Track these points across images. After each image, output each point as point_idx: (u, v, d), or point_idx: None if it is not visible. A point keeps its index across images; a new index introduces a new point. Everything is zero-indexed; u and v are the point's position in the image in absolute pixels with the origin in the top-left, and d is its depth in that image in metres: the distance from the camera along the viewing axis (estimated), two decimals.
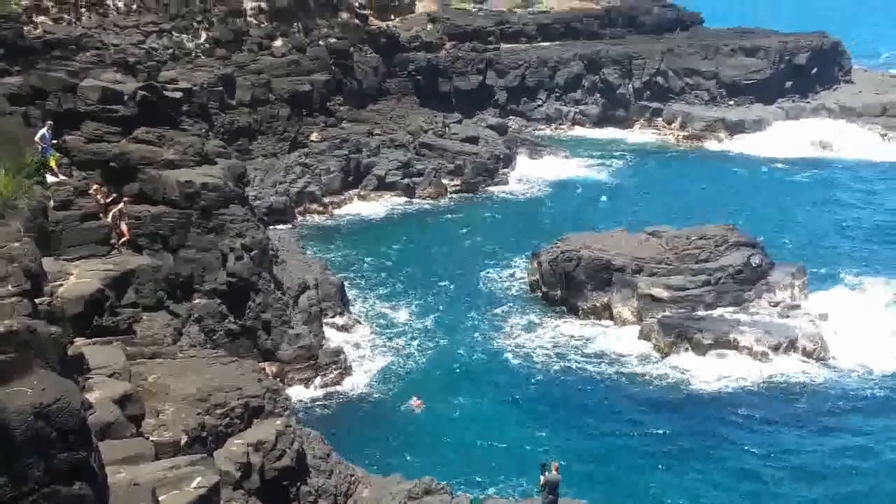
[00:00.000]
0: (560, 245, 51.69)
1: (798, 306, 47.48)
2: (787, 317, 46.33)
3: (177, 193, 39.23)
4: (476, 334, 46.84)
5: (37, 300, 19.73)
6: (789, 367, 42.71)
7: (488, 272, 55.67)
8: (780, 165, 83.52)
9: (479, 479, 33.29)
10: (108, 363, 24.16)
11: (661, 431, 37.62)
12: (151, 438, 22.32)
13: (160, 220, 38.80)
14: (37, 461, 9.21)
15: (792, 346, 43.79)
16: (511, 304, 50.88)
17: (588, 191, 74.79)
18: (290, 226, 61.88)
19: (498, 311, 49.90)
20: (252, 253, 40.12)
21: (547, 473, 25.29)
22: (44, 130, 35.89)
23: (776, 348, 43.54)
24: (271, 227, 53.72)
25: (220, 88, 69.12)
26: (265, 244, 41.92)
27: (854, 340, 44.94)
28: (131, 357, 26.90)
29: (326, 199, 68.31)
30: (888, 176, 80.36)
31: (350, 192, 70.66)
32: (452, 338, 46.34)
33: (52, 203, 32.65)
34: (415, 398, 39.31)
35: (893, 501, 32.73)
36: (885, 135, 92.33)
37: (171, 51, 71.95)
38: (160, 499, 16.54)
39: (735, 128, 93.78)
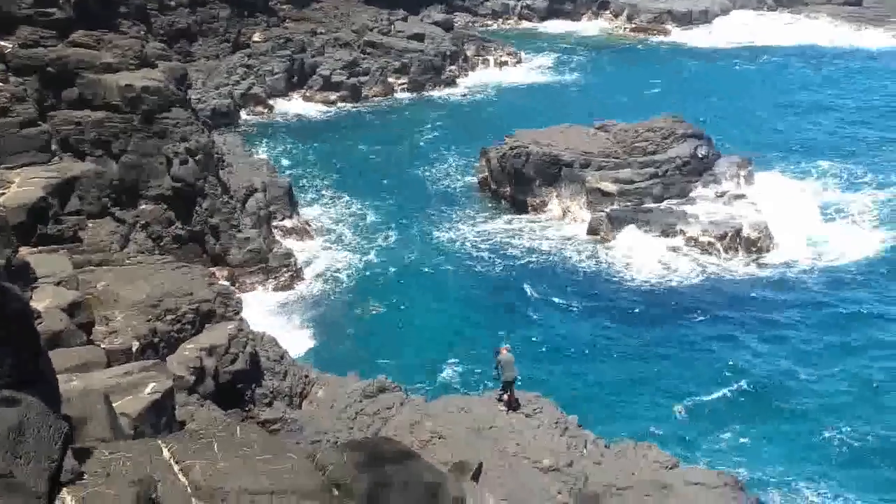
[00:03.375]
0: (509, 141, 51.56)
1: (743, 196, 48.01)
2: (733, 207, 46.88)
3: (117, 98, 38.44)
4: (426, 232, 46.94)
5: None
6: (734, 257, 43.42)
7: (437, 171, 55.52)
8: (726, 56, 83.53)
9: (434, 376, 33.74)
10: (54, 271, 24.02)
11: (608, 322, 38.25)
12: (103, 346, 22.31)
13: (102, 125, 38.09)
14: None
15: (737, 235, 44.39)
16: (460, 202, 50.94)
17: (536, 86, 74.36)
18: (234, 129, 60.91)
19: (447, 208, 49.94)
20: (197, 157, 39.59)
21: (499, 356, 25.83)
22: None
23: (722, 238, 44.14)
24: (217, 131, 52.94)
25: None
26: (210, 148, 41.36)
27: (796, 229, 45.66)
28: (78, 265, 26.72)
29: (271, 101, 67.33)
30: (833, 62, 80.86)
31: (295, 92, 69.65)
32: (402, 237, 46.42)
33: None
34: None
35: (827, 388, 33.69)
36: (831, 22, 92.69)
37: None
38: (116, 405, 16.54)
39: (682, 19, 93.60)
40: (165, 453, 10.97)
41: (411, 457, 12.09)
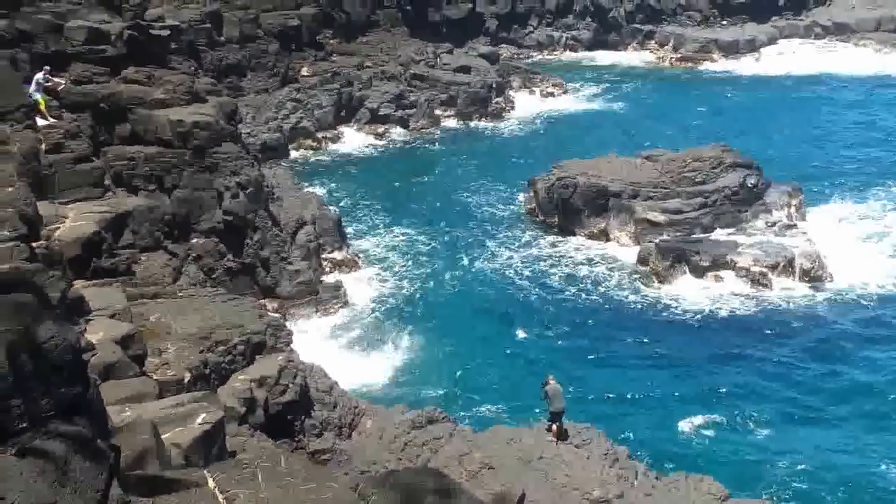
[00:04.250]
0: (556, 172, 51.52)
1: (795, 226, 47.50)
2: (785, 236, 46.39)
3: (169, 133, 39.03)
4: (474, 262, 46.92)
5: (34, 244, 19.74)
6: (787, 287, 42.86)
7: (485, 201, 55.54)
8: (773, 84, 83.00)
9: (482, 406, 33.60)
10: (108, 304, 24.33)
11: (660, 353, 37.90)
12: (155, 377, 22.52)
13: (154, 160, 38.65)
14: (33, 397, 9.31)
15: (790, 265, 43.85)
16: (508, 232, 50.85)
17: (582, 116, 74.35)
18: (284, 162, 61.43)
19: (495, 239, 49.86)
20: (247, 190, 40.02)
21: (546, 387, 25.89)
22: (40, 74, 35.79)
23: (774, 268, 43.64)
24: (267, 164, 53.44)
25: (208, 25, 68.29)
26: (260, 181, 41.81)
27: (850, 258, 44.99)
28: (131, 298, 27.06)
29: (320, 134, 67.89)
30: (882, 89, 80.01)
31: (343, 126, 70.23)
32: (451, 267, 46.43)
33: (43, 146, 32.49)
34: None
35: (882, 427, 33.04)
36: (880, 49, 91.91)
37: None
38: (167, 436, 16.68)
39: (728, 48, 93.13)
40: (210, 483, 11.06)
41: (452, 487, 12.05)
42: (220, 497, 10.84)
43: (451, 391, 34.71)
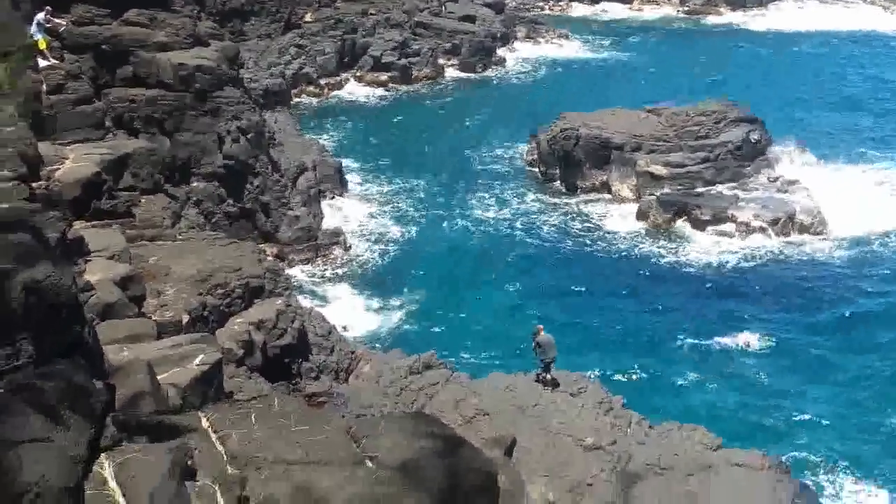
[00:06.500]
0: (558, 124, 51.34)
1: (796, 181, 47.42)
2: (786, 192, 46.36)
3: (170, 76, 38.81)
4: (475, 212, 46.97)
5: (34, 184, 19.79)
6: (788, 241, 42.96)
7: (486, 152, 55.42)
8: (780, 40, 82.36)
9: (478, 353, 33.85)
10: (107, 245, 24.42)
11: (657, 303, 38.11)
12: (153, 318, 22.66)
13: (155, 103, 38.48)
14: (30, 336, 9.38)
15: (790, 220, 43.92)
16: (509, 183, 50.83)
17: (587, 69, 73.91)
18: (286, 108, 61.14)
19: (496, 189, 49.87)
20: (248, 135, 39.94)
21: (537, 337, 25.99)
22: (41, 15, 35.49)
23: (774, 223, 43.71)
24: (267, 110, 53.22)
25: None
26: (261, 126, 41.71)
27: (851, 213, 44.97)
28: (131, 239, 27.15)
29: (322, 81, 67.55)
30: (888, 50, 79.40)
31: (346, 73, 69.81)
32: (452, 216, 46.49)
33: (44, 87, 32.40)
34: None
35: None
36: (888, 7, 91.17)
37: None
38: (164, 376, 16.84)
39: (735, 2, 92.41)
40: (204, 422, 11.14)
41: (446, 433, 12.09)
42: (214, 437, 10.92)
43: (448, 337, 34.90)
